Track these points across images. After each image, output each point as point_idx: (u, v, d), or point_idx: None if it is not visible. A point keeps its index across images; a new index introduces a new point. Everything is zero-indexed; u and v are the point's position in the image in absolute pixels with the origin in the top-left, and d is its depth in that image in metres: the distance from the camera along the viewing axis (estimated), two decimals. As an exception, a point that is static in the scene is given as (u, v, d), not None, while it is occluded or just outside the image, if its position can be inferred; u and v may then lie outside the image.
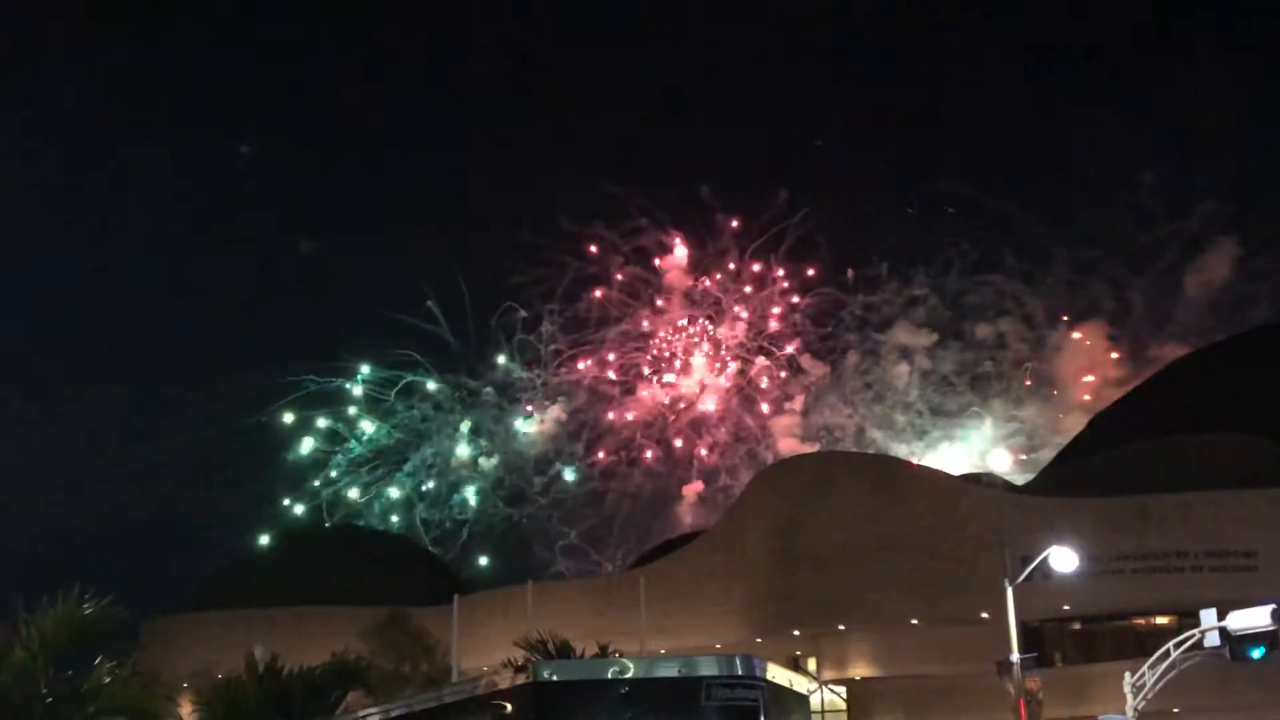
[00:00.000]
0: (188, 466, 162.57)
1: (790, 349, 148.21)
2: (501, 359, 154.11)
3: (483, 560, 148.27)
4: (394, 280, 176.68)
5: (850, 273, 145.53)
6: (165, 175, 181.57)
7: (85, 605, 31.29)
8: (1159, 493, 71.28)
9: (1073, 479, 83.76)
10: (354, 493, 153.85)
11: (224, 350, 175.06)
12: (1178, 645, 41.07)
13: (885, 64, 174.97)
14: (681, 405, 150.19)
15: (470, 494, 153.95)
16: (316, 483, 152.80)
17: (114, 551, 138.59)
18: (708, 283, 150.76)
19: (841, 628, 78.20)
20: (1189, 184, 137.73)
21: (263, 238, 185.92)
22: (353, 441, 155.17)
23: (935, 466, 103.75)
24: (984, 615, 66.22)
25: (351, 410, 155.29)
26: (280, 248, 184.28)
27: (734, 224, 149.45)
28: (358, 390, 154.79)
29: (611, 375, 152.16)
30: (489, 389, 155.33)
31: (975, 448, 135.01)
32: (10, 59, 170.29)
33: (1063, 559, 45.99)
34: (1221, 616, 38.88)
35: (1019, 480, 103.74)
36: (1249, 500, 69.40)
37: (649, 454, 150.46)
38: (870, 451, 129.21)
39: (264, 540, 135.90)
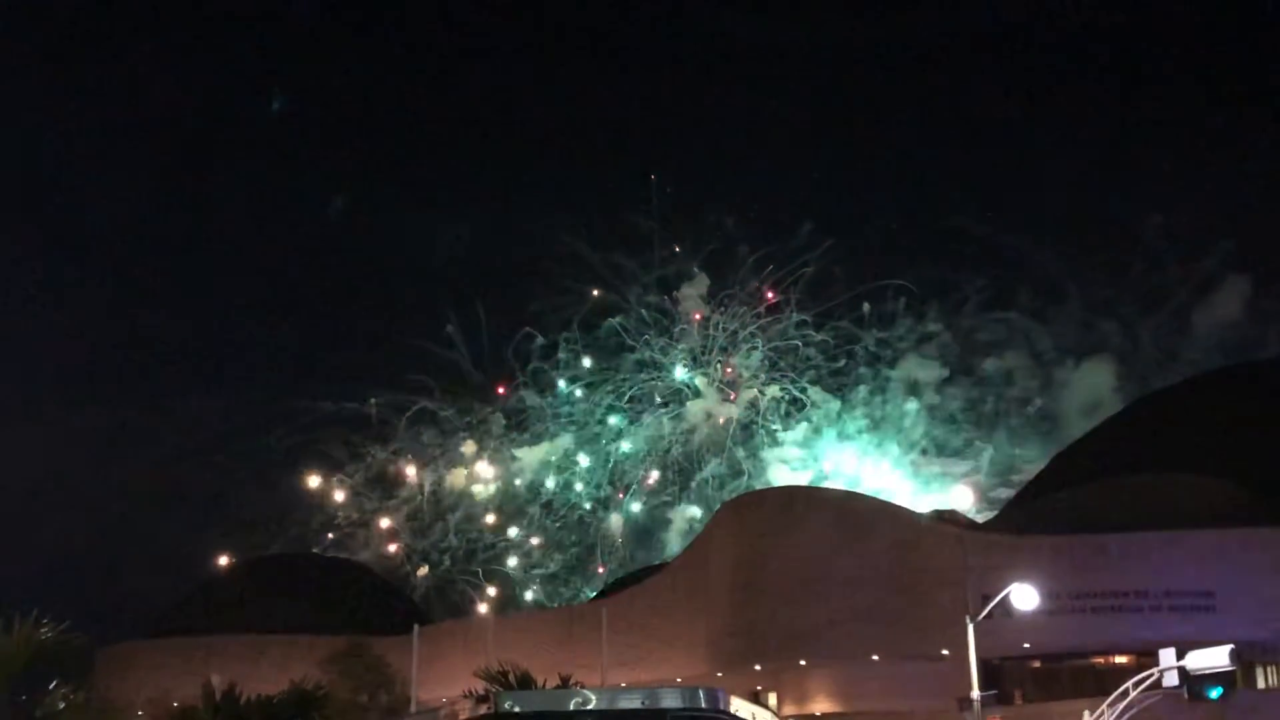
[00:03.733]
0: (149, 492, 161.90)
1: (801, 381, 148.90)
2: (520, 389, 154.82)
3: (489, 591, 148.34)
4: (412, 306, 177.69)
5: (866, 307, 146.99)
6: (167, 197, 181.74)
7: (42, 630, 30.92)
8: (1119, 532, 71.67)
9: (1034, 517, 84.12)
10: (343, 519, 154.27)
11: (211, 373, 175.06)
12: (1137, 684, 41.18)
13: (908, 106, 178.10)
14: (685, 433, 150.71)
15: (455, 522, 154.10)
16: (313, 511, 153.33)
17: (71, 577, 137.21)
18: (723, 313, 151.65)
19: (803, 662, 78.11)
20: (1201, 225, 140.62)
21: (275, 260, 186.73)
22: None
23: (899, 503, 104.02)
24: (945, 652, 66.29)
25: (356, 436, 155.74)
26: (295, 270, 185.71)
27: (755, 256, 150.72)
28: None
29: (621, 404, 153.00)
30: (498, 414, 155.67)
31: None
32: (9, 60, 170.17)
33: (1023, 597, 46.06)
34: (1180, 656, 39.01)
35: (980, 517, 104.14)
36: (1208, 540, 69.92)
37: (647, 481, 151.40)
38: (885, 491, 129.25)
39: (223, 567, 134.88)
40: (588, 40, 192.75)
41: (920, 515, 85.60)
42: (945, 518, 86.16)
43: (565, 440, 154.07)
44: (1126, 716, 41.58)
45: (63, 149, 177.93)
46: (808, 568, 76.71)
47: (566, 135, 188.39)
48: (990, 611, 47.05)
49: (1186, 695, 38.59)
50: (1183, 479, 77.43)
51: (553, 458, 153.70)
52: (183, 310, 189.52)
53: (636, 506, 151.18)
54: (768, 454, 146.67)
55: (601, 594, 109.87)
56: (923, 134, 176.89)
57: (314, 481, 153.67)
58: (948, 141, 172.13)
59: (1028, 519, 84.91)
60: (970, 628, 46.19)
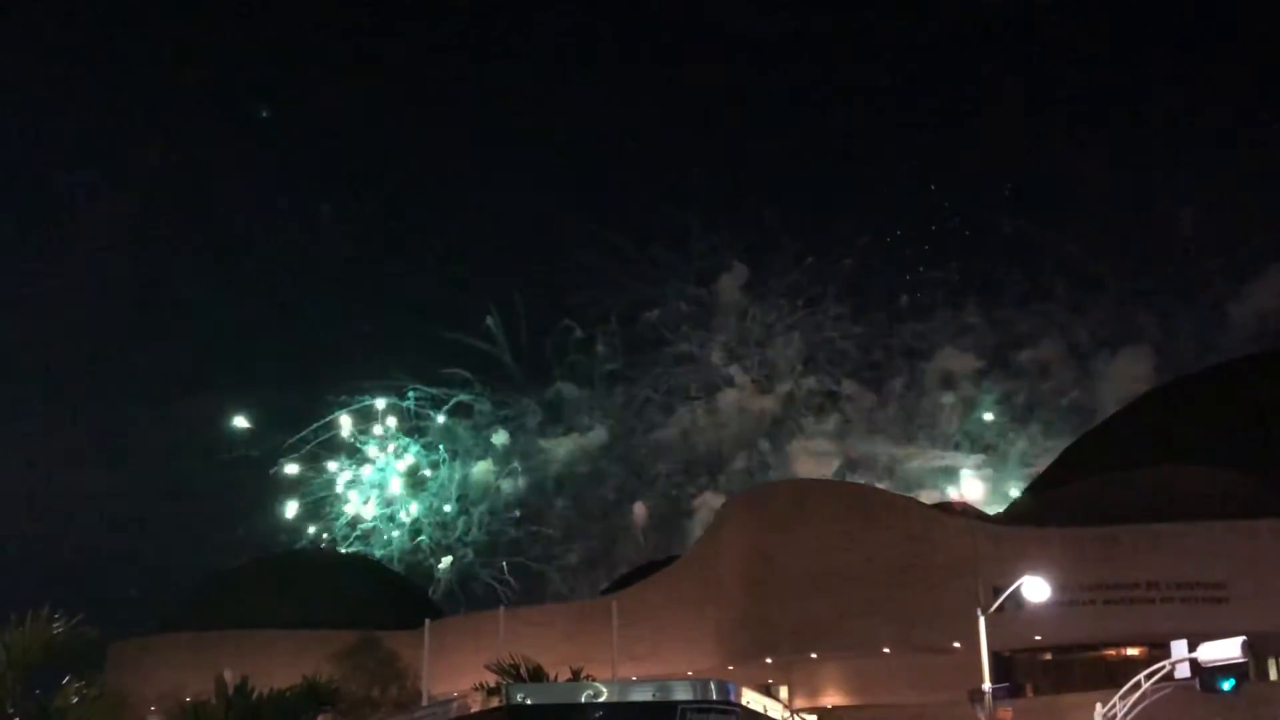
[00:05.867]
0: (160, 489, 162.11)
1: (837, 373, 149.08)
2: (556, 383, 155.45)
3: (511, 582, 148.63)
4: (451, 299, 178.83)
5: (903, 297, 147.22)
6: (202, 185, 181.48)
7: (55, 624, 31.03)
8: (1130, 523, 71.50)
9: (1045, 509, 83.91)
10: (366, 513, 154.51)
11: (239, 367, 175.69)
12: (1148, 676, 41.13)
13: (946, 101, 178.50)
14: (718, 425, 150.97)
15: (479, 515, 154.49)
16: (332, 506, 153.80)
17: (83, 572, 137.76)
18: (760, 306, 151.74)
19: (814, 655, 78.07)
20: (1238, 216, 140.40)
21: (312, 254, 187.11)
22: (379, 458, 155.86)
23: (909, 495, 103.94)
24: (956, 644, 66.20)
25: (379, 430, 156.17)
26: (332, 264, 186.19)
27: (794, 248, 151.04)
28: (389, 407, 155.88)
29: (657, 395, 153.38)
30: (535, 406, 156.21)
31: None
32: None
33: (1035, 589, 46.08)
34: (1192, 648, 38.95)
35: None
36: (1219, 532, 69.65)
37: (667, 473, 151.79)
38: (903, 487, 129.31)
39: (235, 563, 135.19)
40: (628, 32, 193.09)
41: (931, 507, 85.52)
42: (957, 510, 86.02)
43: (600, 433, 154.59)
44: (1138, 709, 41.55)
45: (62, 147, 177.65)
46: (818, 560, 76.63)
47: (607, 128, 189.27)
48: (1002, 604, 47.10)
49: (1199, 687, 38.59)
50: (1195, 470, 77.19)
51: (582, 449, 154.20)
52: (215, 304, 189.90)
53: (660, 497, 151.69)
54: (797, 445, 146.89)
55: (612, 588, 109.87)
56: (959, 127, 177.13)
57: (342, 475, 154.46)
58: (984, 134, 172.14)
59: (1039, 511, 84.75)
60: (982, 620, 46.22)
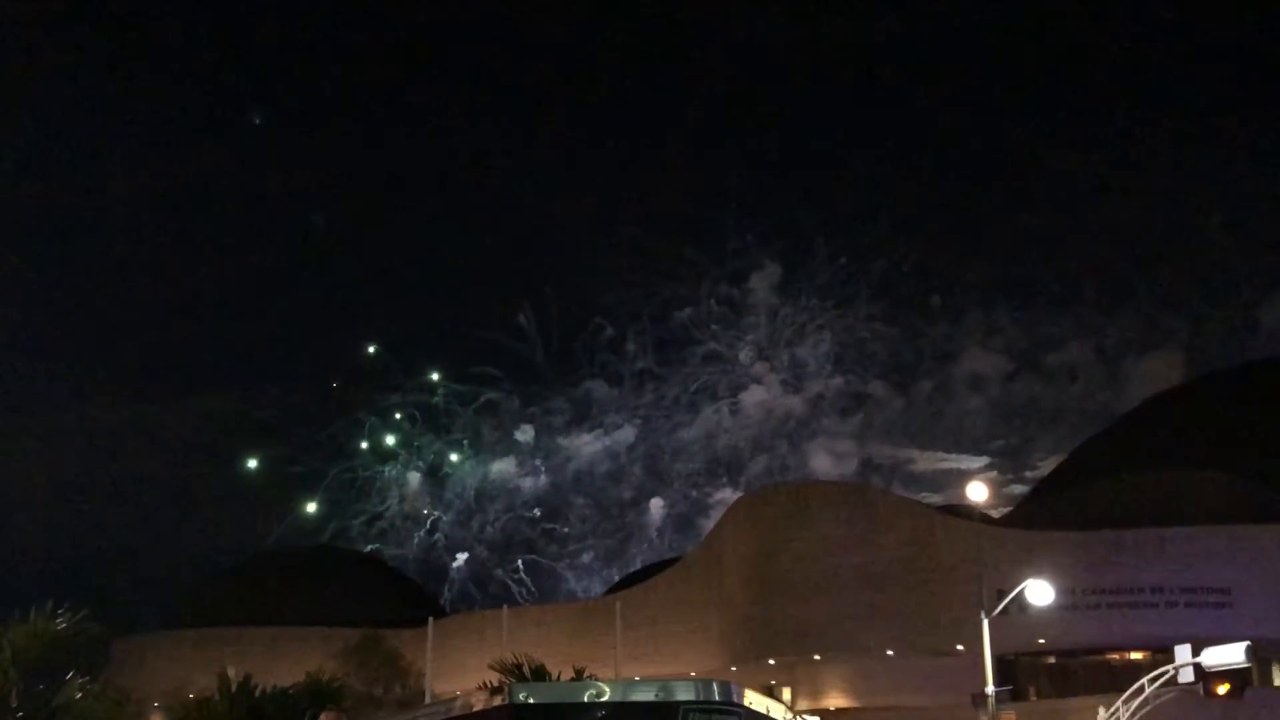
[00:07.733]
0: (167, 485, 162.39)
1: (865, 374, 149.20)
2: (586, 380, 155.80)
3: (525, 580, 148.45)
4: (484, 297, 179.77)
5: (935, 299, 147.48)
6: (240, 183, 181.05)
7: (59, 620, 31.01)
8: (1135, 527, 71.43)
9: (1049, 512, 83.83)
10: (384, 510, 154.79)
11: (270, 363, 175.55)
12: (1152, 681, 41.08)
13: (981, 102, 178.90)
14: (743, 426, 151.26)
15: (495, 512, 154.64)
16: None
17: (88, 569, 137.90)
18: (791, 306, 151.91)
19: (817, 657, 78.02)
20: (1272, 220, 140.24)
21: (347, 252, 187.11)
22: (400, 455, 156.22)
23: (913, 497, 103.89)
24: (959, 647, 66.17)
25: (404, 427, 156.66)
26: (373, 262, 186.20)
27: (827, 248, 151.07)
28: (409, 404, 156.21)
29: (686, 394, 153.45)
30: (564, 404, 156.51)
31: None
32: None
33: (1039, 592, 45.99)
34: (1196, 653, 38.89)
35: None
36: (1224, 536, 69.64)
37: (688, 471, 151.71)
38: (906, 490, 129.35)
39: (240, 560, 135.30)
40: (660, 31, 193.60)
41: (936, 509, 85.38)
42: (960, 512, 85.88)
43: (627, 431, 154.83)
44: (1141, 713, 41.50)
45: (64, 145, 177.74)
46: (822, 562, 76.60)
47: (642, 127, 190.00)
48: (1005, 607, 46.98)
49: (1202, 692, 38.53)
50: (1200, 475, 77.08)
51: (604, 448, 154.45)
52: (232, 299, 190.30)
53: (680, 496, 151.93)
54: (816, 445, 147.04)
55: (618, 587, 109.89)
56: (994, 129, 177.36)
57: (362, 472, 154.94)
58: (1017, 137, 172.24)
59: (1043, 514, 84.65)
60: (985, 623, 46.10)
